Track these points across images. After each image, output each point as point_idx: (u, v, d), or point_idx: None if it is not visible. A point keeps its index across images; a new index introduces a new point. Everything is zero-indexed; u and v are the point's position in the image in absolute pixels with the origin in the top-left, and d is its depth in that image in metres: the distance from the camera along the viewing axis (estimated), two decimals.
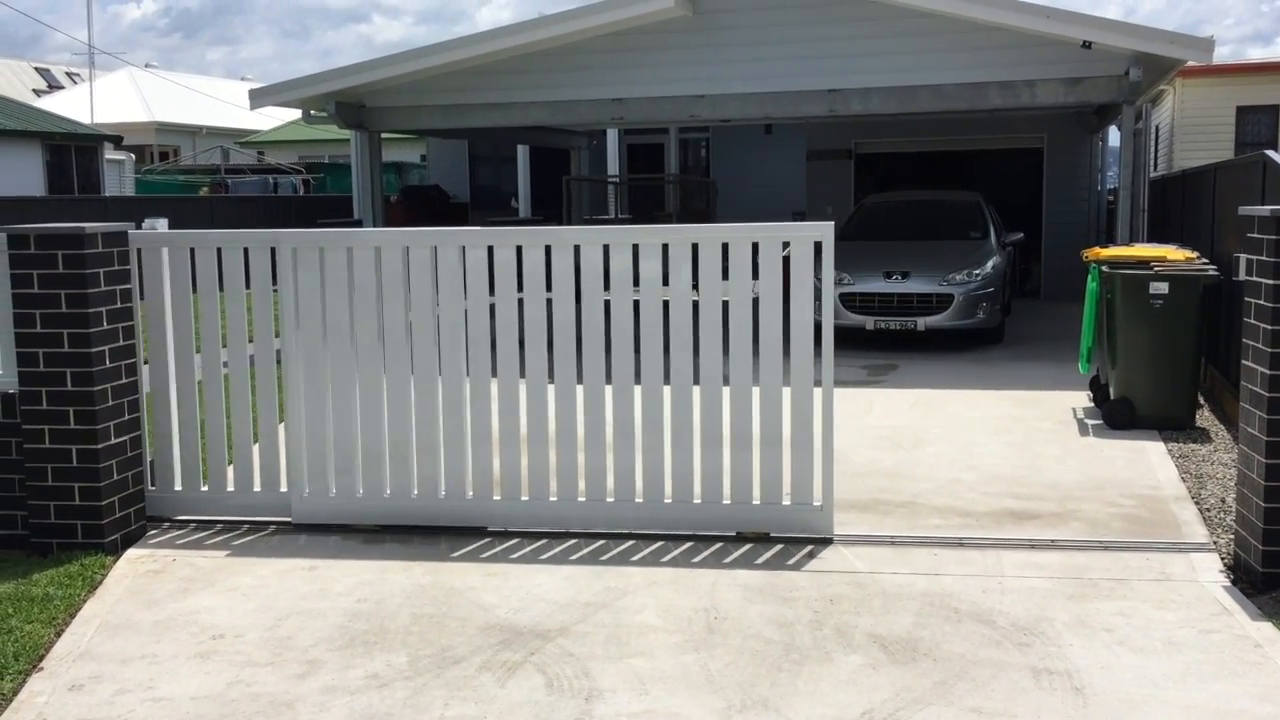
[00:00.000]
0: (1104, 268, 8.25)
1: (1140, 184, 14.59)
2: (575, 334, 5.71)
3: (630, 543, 5.60)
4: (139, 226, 6.05)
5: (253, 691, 4.08)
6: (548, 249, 5.66)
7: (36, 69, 46.16)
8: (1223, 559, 5.29)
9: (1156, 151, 21.78)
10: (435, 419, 5.79)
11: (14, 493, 5.66)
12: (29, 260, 5.48)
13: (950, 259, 12.11)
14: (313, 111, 13.43)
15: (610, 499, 5.76)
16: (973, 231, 13.15)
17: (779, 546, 5.50)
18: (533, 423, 5.78)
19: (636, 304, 5.64)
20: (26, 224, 5.63)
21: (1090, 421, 8.21)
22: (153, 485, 5.99)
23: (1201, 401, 8.44)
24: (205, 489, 6.01)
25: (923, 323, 11.70)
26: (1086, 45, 10.60)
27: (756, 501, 5.66)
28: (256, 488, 5.96)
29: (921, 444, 7.57)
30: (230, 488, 6.00)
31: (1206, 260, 8.32)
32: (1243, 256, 5.24)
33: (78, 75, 44.82)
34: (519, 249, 5.71)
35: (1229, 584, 4.99)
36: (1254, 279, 5.09)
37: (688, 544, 5.57)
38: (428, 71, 12.50)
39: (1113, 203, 14.28)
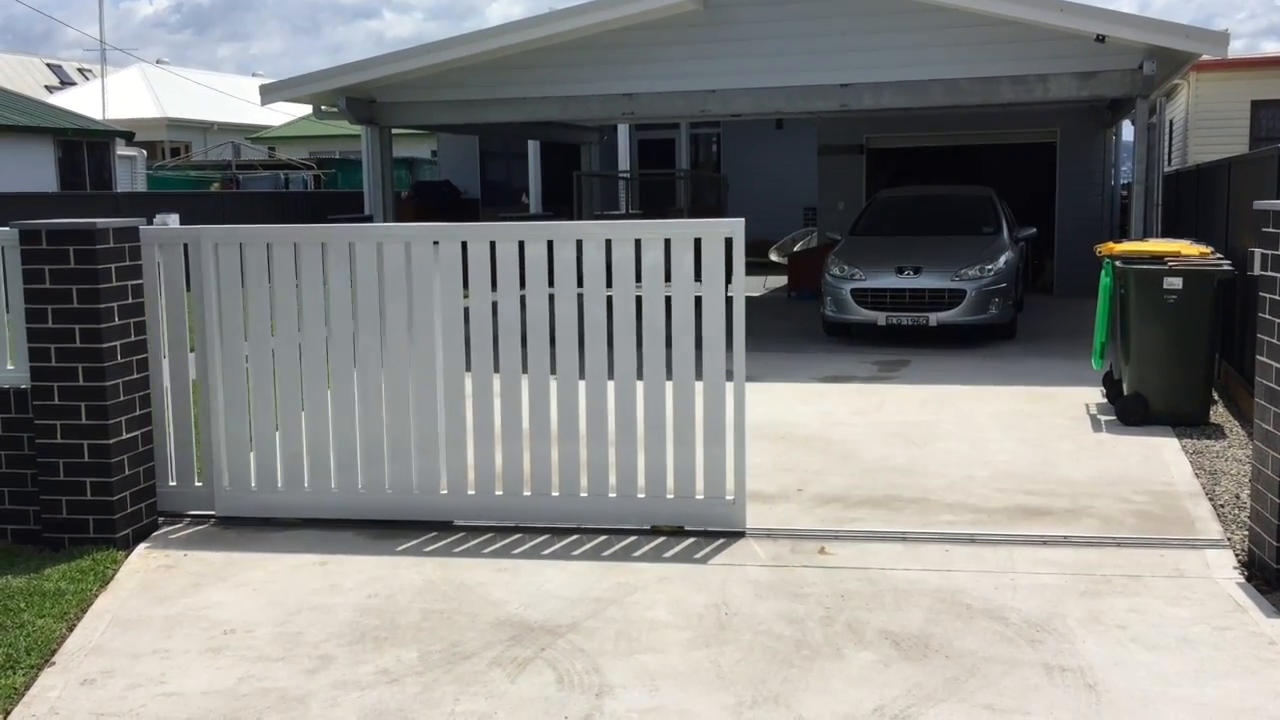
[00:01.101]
0: (1118, 263, 8.21)
1: (1154, 179, 14.52)
2: (492, 329, 5.77)
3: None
4: (151, 222, 6.06)
5: (264, 686, 4.08)
6: (464, 245, 5.72)
7: (48, 65, 46.31)
8: (1237, 555, 5.26)
9: (1170, 146, 21.67)
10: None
11: (26, 488, 5.68)
12: (41, 256, 5.49)
13: (962, 254, 12.06)
14: (324, 107, 13.45)
15: (527, 493, 5.80)
16: (985, 227, 13.09)
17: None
18: (450, 419, 5.81)
19: (551, 298, 5.70)
20: (38, 220, 5.64)
21: (1103, 418, 8.18)
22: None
23: (1215, 397, 8.40)
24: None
25: (935, 318, 11.66)
26: (1100, 39, 10.54)
27: (671, 496, 5.69)
28: (280, 484, 5.96)
29: (933, 440, 7.54)
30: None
31: (1221, 255, 8.27)
32: (1257, 251, 5.21)
33: (89, 71, 44.97)
34: (435, 244, 5.75)
35: (1243, 581, 4.96)
36: (1269, 274, 5.06)
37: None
38: (438, 67, 12.50)
39: (1126, 197, 14.22)
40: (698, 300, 5.57)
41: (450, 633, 4.51)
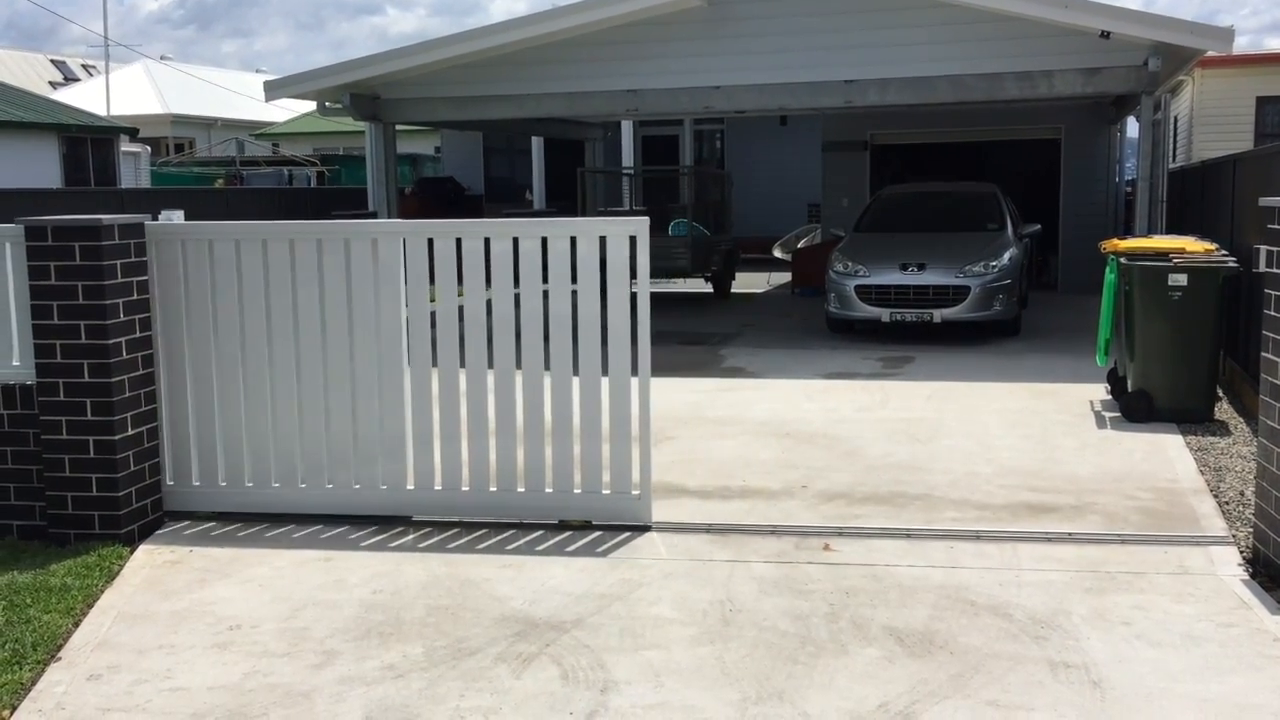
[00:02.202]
0: (1122, 259, 8.20)
1: (1159, 175, 14.48)
2: (404, 325, 5.83)
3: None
4: (155, 218, 6.07)
5: (269, 682, 4.09)
6: (373, 241, 5.76)
7: (52, 61, 46.34)
8: (1241, 552, 5.25)
9: (1175, 142, 21.63)
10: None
11: (32, 483, 5.69)
12: (46, 252, 5.50)
13: (967, 251, 12.05)
14: (327, 103, 13.45)
15: (438, 487, 5.85)
16: (989, 223, 13.08)
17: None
18: (361, 413, 5.86)
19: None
20: (43, 216, 5.65)
21: (1108, 414, 8.17)
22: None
23: (1220, 394, 8.38)
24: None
25: (939, 315, 11.65)
26: (1105, 35, 10.53)
27: (578, 490, 5.75)
28: (275, 483, 5.97)
29: (938, 437, 7.54)
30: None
31: (1226, 252, 8.26)
32: (1263, 248, 5.20)
33: (93, 68, 44.99)
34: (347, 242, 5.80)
35: (1248, 577, 4.96)
36: (1274, 270, 5.05)
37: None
38: (442, 63, 12.50)
39: (1131, 194, 14.19)
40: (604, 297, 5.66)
41: (455, 628, 4.52)
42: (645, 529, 5.65)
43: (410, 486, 5.87)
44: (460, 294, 5.80)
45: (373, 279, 5.77)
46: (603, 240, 5.58)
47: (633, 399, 5.64)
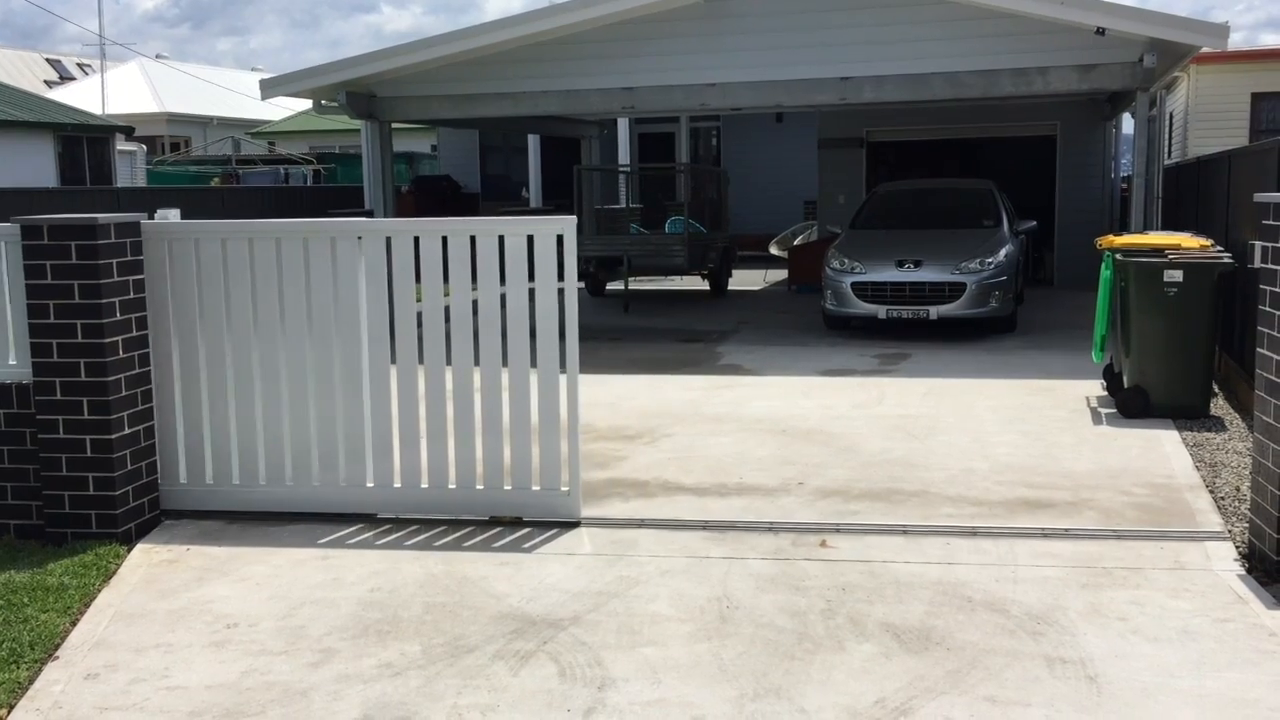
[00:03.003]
0: (1118, 256, 8.21)
1: (1154, 171, 14.48)
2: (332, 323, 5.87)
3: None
4: (151, 217, 6.07)
5: (267, 680, 4.09)
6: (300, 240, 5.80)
7: (48, 60, 46.26)
8: (1237, 548, 5.27)
9: (1171, 138, 21.65)
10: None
11: (29, 483, 5.69)
12: (42, 251, 5.49)
13: (963, 247, 12.06)
14: (323, 101, 13.43)
15: (370, 484, 5.89)
16: (985, 220, 13.09)
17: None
18: (295, 411, 5.89)
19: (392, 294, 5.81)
20: (39, 215, 5.64)
21: (1104, 410, 8.18)
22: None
23: (1216, 390, 8.40)
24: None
25: (935, 311, 11.66)
26: (1100, 31, 10.53)
27: (508, 487, 5.80)
28: (262, 480, 5.97)
29: (934, 433, 7.55)
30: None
31: (1221, 248, 8.27)
32: (1258, 244, 5.21)
33: (89, 66, 44.93)
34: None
35: (1243, 572, 4.97)
36: (1269, 266, 5.06)
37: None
38: (437, 61, 12.49)
39: (1126, 190, 14.21)
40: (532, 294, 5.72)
41: (453, 626, 4.52)
42: (575, 525, 5.70)
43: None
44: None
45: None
46: (530, 239, 5.65)
47: (562, 396, 5.72)
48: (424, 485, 5.87)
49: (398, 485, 5.88)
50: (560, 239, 5.62)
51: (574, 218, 5.67)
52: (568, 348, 5.66)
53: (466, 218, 5.99)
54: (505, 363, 5.74)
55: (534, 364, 5.73)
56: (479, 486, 5.84)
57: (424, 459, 5.86)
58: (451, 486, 5.85)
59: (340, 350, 5.84)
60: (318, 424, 5.89)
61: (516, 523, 5.74)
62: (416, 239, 5.74)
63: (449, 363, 5.78)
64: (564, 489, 5.76)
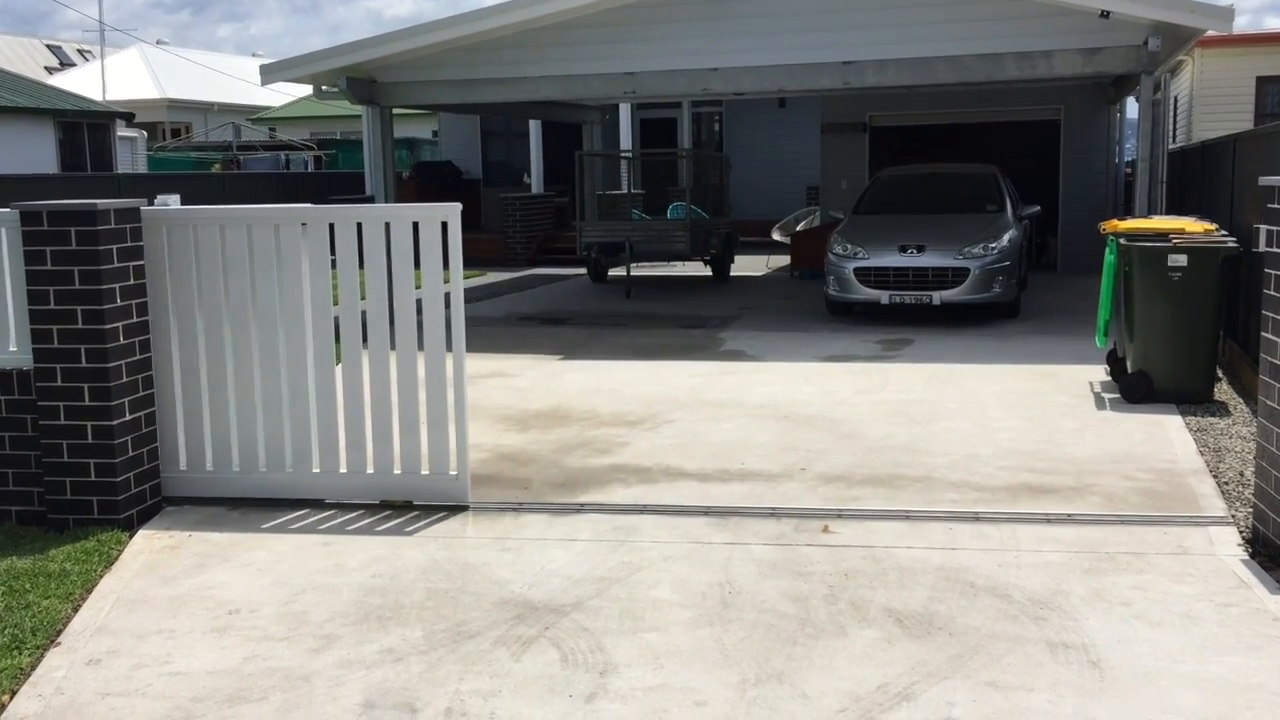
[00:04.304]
0: (1122, 240, 8.18)
1: (1159, 155, 14.44)
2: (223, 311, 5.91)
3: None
4: (151, 203, 6.04)
5: (269, 666, 4.09)
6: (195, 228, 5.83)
7: (48, 46, 46.15)
8: (1241, 533, 5.26)
9: (1175, 122, 21.58)
10: None
11: (30, 469, 5.68)
12: (42, 237, 5.48)
13: (966, 232, 12.03)
14: (324, 87, 13.39)
15: (263, 469, 5.93)
16: (989, 204, 13.04)
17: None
18: (188, 393, 5.94)
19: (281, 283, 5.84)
20: (40, 201, 5.62)
21: (1107, 395, 8.16)
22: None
23: (1220, 375, 8.38)
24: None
25: (938, 297, 11.63)
26: (1104, 15, 10.47)
27: (398, 471, 5.85)
28: (262, 467, 5.97)
29: (937, 418, 7.54)
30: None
31: (1226, 232, 8.24)
32: (1263, 228, 5.18)
33: (89, 52, 44.82)
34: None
35: (1247, 557, 4.96)
36: (1274, 250, 5.04)
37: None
38: (438, 46, 12.44)
39: (1130, 174, 14.15)
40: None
41: (455, 612, 4.52)
42: (463, 508, 5.75)
43: (183, 467, 5.96)
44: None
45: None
46: (415, 225, 5.69)
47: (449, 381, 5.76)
48: (315, 470, 5.93)
49: (290, 470, 5.92)
50: (445, 225, 5.67)
51: (458, 205, 5.70)
52: (454, 332, 5.71)
53: (351, 205, 6.03)
54: (393, 347, 5.81)
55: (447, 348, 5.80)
56: (369, 471, 5.89)
57: (314, 444, 5.91)
58: (343, 471, 5.91)
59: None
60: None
61: (407, 506, 5.80)
62: (303, 225, 5.79)
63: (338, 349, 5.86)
64: (452, 473, 5.82)
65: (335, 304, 5.84)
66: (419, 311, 5.76)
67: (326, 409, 5.88)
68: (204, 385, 5.94)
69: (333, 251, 5.77)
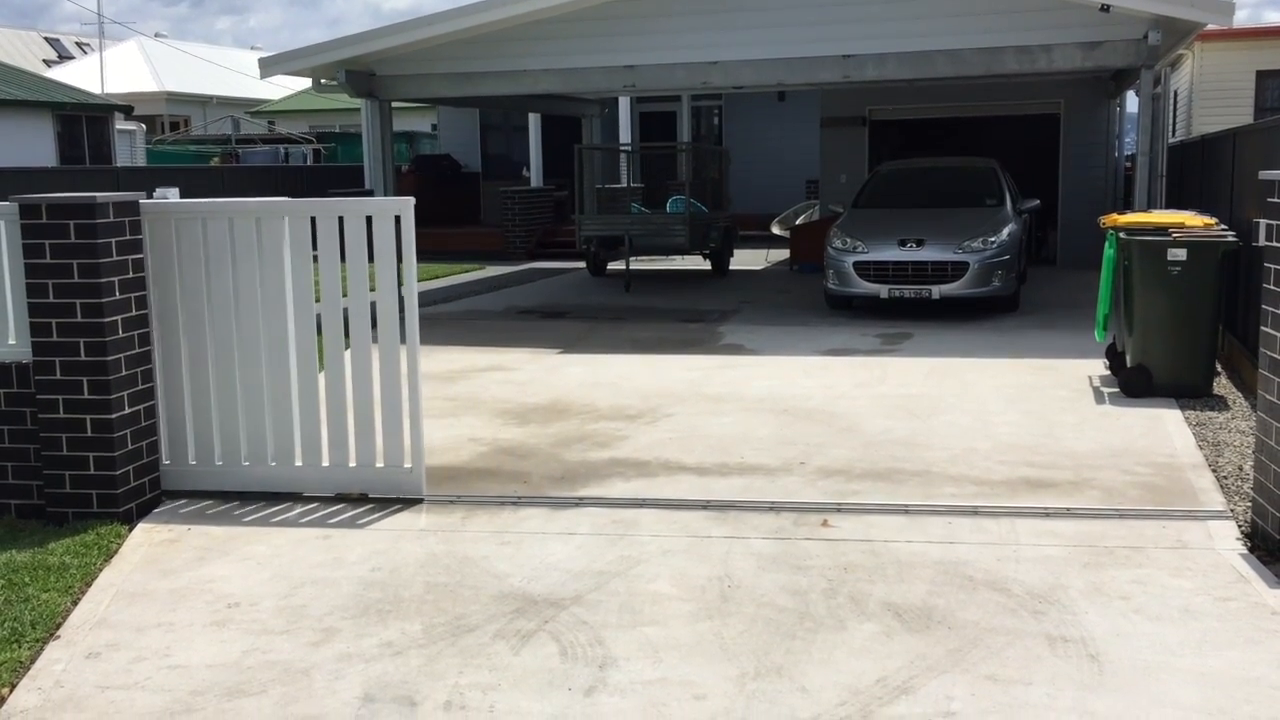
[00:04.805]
0: (1121, 234, 8.17)
1: (1158, 149, 14.43)
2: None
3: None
4: (150, 196, 6.04)
5: (268, 659, 4.09)
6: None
7: (46, 39, 46.10)
8: (1240, 527, 5.26)
9: (1175, 117, 21.55)
10: None
11: (29, 462, 5.68)
12: (41, 230, 5.47)
13: (965, 226, 12.02)
14: (323, 80, 13.36)
15: (220, 461, 5.95)
16: (988, 198, 13.03)
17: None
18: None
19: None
20: (38, 194, 5.61)
21: (1106, 389, 8.16)
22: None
23: (1219, 369, 8.38)
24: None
25: (938, 291, 11.63)
26: (1105, 8, 10.45)
27: (353, 464, 5.88)
28: (271, 461, 5.97)
29: (936, 413, 7.54)
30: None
31: (1225, 226, 8.23)
32: (1262, 222, 5.18)
33: (87, 45, 44.74)
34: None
35: (1246, 551, 4.96)
36: (1274, 244, 5.03)
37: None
38: (437, 39, 12.41)
39: (1130, 169, 14.14)
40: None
41: (454, 605, 4.52)
42: (418, 502, 5.76)
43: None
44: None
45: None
46: (369, 220, 5.70)
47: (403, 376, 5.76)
48: (272, 463, 5.94)
49: (246, 463, 5.94)
50: (399, 219, 5.68)
51: (411, 199, 5.71)
52: (408, 325, 5.72)
53: (310, 200, 6.03)
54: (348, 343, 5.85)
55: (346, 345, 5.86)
56: (324, 464, 5.90)
57: (269, 437, 5.92)
58: (298, 464, 5.92)
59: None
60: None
61: (362, 500, 5.83)
62: (258, 220, 5.80)
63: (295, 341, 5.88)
64: (407, 465, 5.83)
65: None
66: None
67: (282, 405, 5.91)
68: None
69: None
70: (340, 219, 5.75)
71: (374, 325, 5.78)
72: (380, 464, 5.88)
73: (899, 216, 12.57)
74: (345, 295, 5.84)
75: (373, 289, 5.72)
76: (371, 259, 5.70)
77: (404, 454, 5.84)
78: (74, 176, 19.50)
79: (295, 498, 5.89)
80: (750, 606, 4.44)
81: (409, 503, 5.77)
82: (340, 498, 5.85)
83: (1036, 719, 3.57)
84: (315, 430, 5.89)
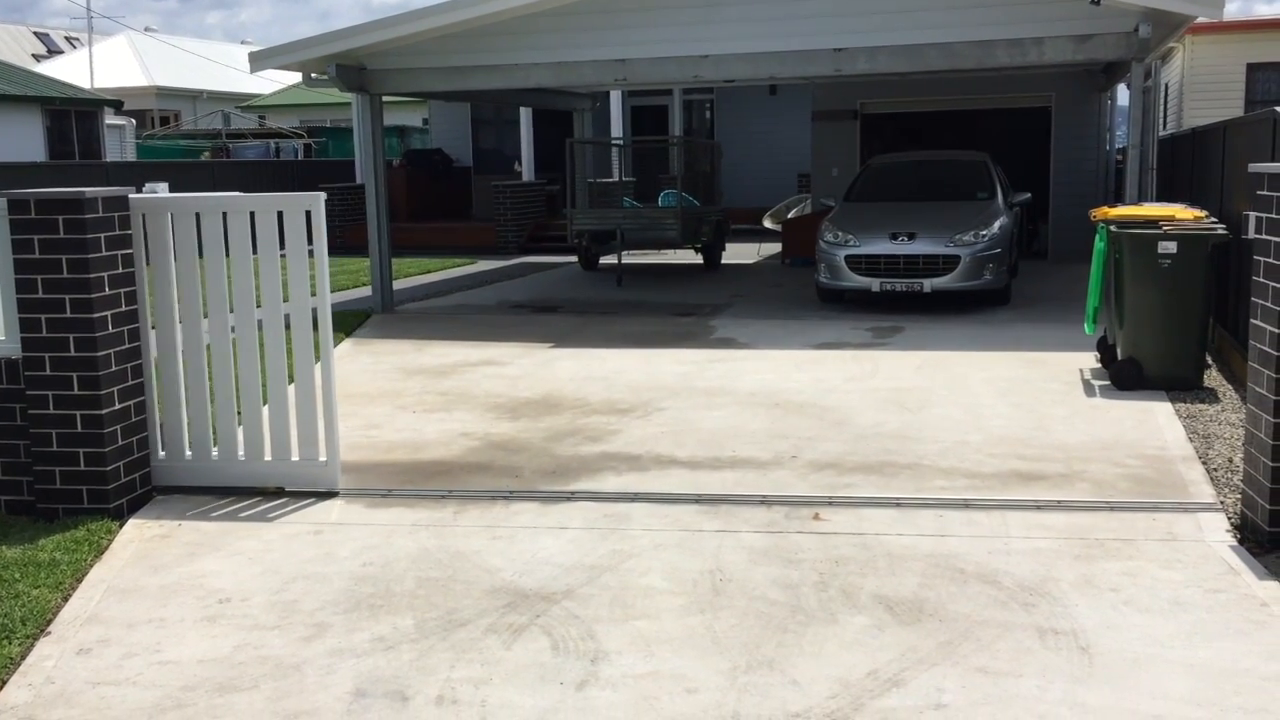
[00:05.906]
0: (1112, 227, 8.19)
1: (1149, 142, 14.42)
2: None
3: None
4: (140, 191, 6.02)
5: (260, 654, 4.09)
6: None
7: (35, 33, 45.88)
8: (1229, 519, 5.28)
9: (1165, 110, 21.59)
10: None
11: (19, 458, 5.66)
12: (30, 225, 5.45)
13: (957, 220, 12.03)
14: (313, 74, 13.30)
15: (215, 456, 6.00)
16: (980, 192, 13.05)
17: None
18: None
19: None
20: (27, 189, 5.59)
21: (1097, 382, 8.18)
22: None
23: (1209, 361, 8.40)
24: (214, 456, 6.00)
25: (929, 284, 11.64)
26: (1095, 2, 10.45)
27: (268, 458, 5.92)
28: (267, 456, 5.96)
29: (927, 406, 7.55)
30: (241, 455, 6.00)
31: (1215, 219, 8.25)
32: (1252, 214, 5.19)
33: (77, 40, 44.54)
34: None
35: (1235, 543, 4.98)
36: (1263, 237, 5.05)
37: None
38: (428, 33, 12.37)
39: (1121, 162, 14.17)
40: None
41: (445, 600, 4.52)
42: (333, 495, 5.81)
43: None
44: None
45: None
46: (280, 215, 5.74)
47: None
48: (188, 456, 5.97)
49: (162, 455, 5.98)
50: (309, 214, 5.73)
51: (322, 194, 5.76)
52: (321, 323, 5.76)
53: (223, 194, 6.03)
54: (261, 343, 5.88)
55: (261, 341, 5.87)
56: (240, 457, 5.93)
57: (185, 432, 5.95)
58: (214, 458, 5.95)
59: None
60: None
61: (279, 493, 5.85)
62: (171, 215, 5.82)
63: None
64: (322, 459, 5.87)
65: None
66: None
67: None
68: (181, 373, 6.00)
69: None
70: (251, 214, 5.80)
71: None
72: (295, 458, 5.91)
73: (890, 210, 12.58)
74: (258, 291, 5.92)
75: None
76: (284, 249, 5.79)
77: (318, 447, 5.89)
78: (63, 172, 19.42)
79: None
80: (742, 600, 4.45)
81: (325, 495, 5.84)
82: (258, 491, 5.88)
83: (1027, 711, 3.58)
84: (230, 425, 5.95)
